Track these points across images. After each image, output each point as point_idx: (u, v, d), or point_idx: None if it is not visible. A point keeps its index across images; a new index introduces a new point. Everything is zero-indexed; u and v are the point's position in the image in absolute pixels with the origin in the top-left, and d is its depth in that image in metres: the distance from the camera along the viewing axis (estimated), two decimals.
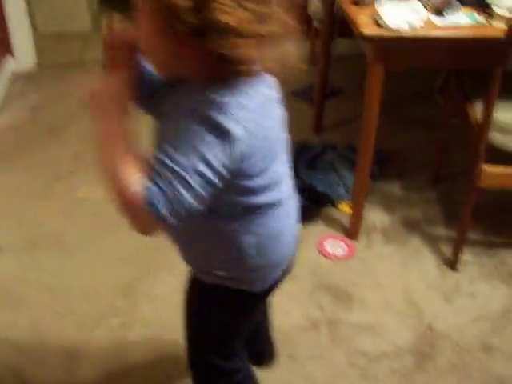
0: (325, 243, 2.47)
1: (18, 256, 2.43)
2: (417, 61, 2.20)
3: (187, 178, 1.05)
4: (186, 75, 1.12)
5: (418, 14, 2.05)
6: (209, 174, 1.06)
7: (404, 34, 2.02)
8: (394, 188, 2.78)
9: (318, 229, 2.54)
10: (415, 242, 2.50)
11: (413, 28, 2.03)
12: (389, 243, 2.50)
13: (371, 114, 2.20)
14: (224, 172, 1.09)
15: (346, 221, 2.54)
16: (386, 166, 2.85)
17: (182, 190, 1.05)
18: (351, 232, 2.50)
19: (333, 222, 2.58)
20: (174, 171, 1.05)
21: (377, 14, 2.04)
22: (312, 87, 3.21)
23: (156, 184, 1.05)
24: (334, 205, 2.64)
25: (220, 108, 1.05)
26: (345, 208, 2.61)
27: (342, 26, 2.26)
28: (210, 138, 1.05)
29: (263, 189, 1.24)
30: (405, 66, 2.43)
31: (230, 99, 1.07)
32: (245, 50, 1.04)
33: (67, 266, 2.38)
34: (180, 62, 1.10)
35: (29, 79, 3.69)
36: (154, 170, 1.06)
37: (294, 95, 3.36)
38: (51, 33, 4.16)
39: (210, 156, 1.06)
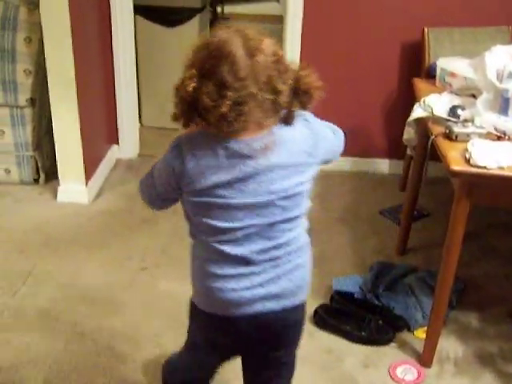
0: (396, 368, 2.45)
1: (97, 344, 2.52)
2: (503, 199, 2.22)
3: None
4: None
5: (507, 155, 2.09)
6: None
7: (491, 172, 2.06)
8: (471, 318, 2.73)
9: (391, 352, 2.53)
10: (488, 378, 2.43)
11: (500, 167, 2.06)
12: (460, 375, 2.44)
13: (453, 246, 2.21)
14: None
15: (420, 347, 2.51)
16: (462, 295, 2.82)
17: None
18: (424, 359, 2.47)
19: (407, 347, 2.55)
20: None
21: (467, 151, 2.09)
22: (400, 208, 3.26)
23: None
24: (409, 329, 2.62)
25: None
26: (420, 334, 2.58)
27: (434, 150, 2.32)
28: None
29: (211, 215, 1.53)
30: (491, 203, 2.44)
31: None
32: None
33: (139, 360, 2.45)
34: None
35: (129, 168, 3.90)
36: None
37: (382, 214, 3.42)
38: (155, 127, 4.39)
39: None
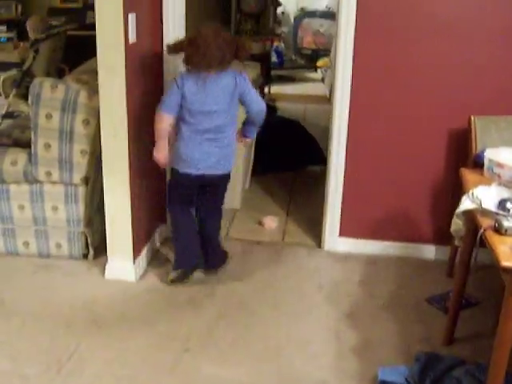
0: None
1: None
2: None
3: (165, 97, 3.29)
4: None
5: None
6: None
7: None
8: None
9: None
10: None
11: None
12: None
13: (504, 342, 2.19)
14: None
15: None
16: None
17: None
18: None
19: None
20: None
21: None
22: (447, 295, 3.23)
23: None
24: None
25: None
26: None
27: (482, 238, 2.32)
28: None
29: (190, 115, 3.23)
30: None
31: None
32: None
33: None
34: None
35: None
36: None
37: (429, 302, 3.39)
38: None
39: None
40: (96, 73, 3.25)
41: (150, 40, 3.60)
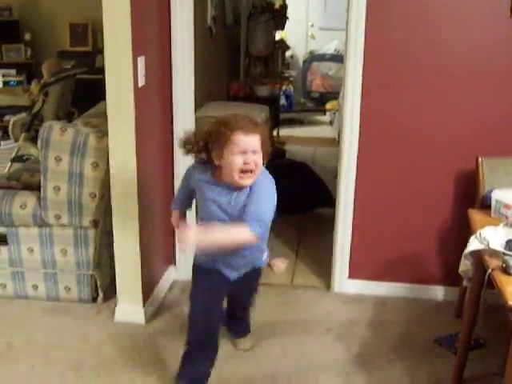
0: None
1: None
2: None
3: None
4: None
5: None
6: None
7: None
8: None
9: None
10: None
11: None
12: None
13: None
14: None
15: None
16: None
17: None
18: None
19: None
20: None
21: None
22: (456, 336, 3.22)
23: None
24: None
25: None
26: None
27: (490, 279, 2.32)
28: None
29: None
30: None
31: None
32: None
33: None
34: None
35: (184, 290, 3.92)
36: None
37: (437, 343, 3.37)
38: None
39: None
40: (105, 116, 3.29)
41: (160, 83, 3.65)
